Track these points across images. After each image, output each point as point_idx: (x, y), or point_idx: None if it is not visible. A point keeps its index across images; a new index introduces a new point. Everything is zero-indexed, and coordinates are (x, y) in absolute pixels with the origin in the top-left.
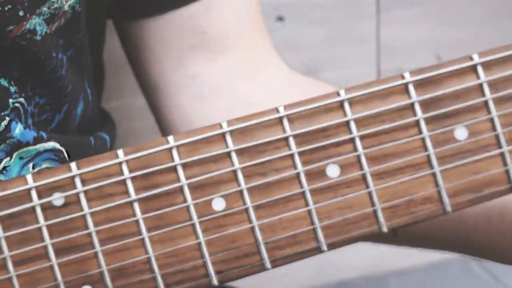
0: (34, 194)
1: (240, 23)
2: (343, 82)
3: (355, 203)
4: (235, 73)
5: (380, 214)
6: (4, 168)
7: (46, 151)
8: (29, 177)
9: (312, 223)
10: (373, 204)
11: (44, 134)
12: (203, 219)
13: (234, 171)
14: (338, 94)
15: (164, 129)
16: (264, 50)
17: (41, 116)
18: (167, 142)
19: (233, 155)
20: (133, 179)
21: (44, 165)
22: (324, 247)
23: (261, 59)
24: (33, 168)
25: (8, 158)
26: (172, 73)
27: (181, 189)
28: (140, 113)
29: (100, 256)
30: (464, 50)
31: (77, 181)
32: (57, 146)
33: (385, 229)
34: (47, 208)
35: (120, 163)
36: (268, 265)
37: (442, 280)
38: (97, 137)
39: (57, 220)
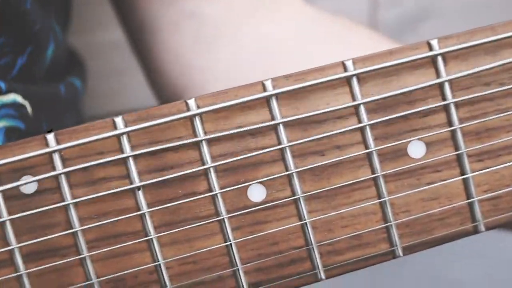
0: None
1: None
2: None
3: (444, 194)
4: (244, 11)
5: (477, 208)
6: None
7: (3, 106)
8: None
9: (385, 219)
10: (468, 195)
11: (2, 84)
12: (234, 213)
13: (281, 149)
14: (429, 46)
15: (153, 79)
16: None
17: None
18: (187, 107)
19: (280, 127)
20: (136, 158)
21: (0, 124)
22: (399, 252)
23: None
24: None
25: None
26: (166, 10)
27: (205, 172)
28: (109, 51)
29: (88, 263)
30: None
31: (56, 159)
32: (19, 99)
33: (482, 228)
34: (13, 197)
35: (118, 136)
36: (322, 275)
37: None
38: (68, 85)
39: (27, 213)
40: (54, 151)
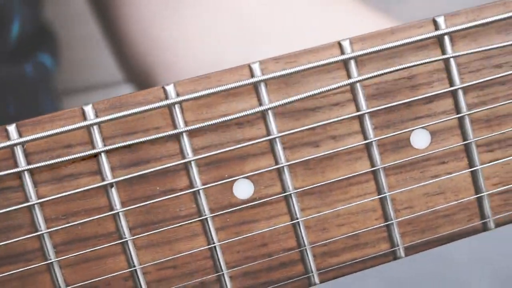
0: None
1: None
2: None
3: (450, 187)
4: None
5: (486, 204)
6: None
7: None
8: None
9: (386, 216)
10: (477, 189)
11: None
12: (219, 212)
13: (270, 141)
14: (435, 24)
15: (121, 54)
16: None
17: None
18: (165, 94)
19: (269, 115)
20: (109, 151)
21: None
22: (401, 252)
23: None
24: None
25: None
26: None
27: (185, 167)
28: (82, 20)
29: (56, 269)
30: None
31: (19, 154)
32: None
33: (492, 225)
34: None
35: (88, 127)
36: (316, 279)
37: None
38: (36, 64)
39: None
40: (16, 144)
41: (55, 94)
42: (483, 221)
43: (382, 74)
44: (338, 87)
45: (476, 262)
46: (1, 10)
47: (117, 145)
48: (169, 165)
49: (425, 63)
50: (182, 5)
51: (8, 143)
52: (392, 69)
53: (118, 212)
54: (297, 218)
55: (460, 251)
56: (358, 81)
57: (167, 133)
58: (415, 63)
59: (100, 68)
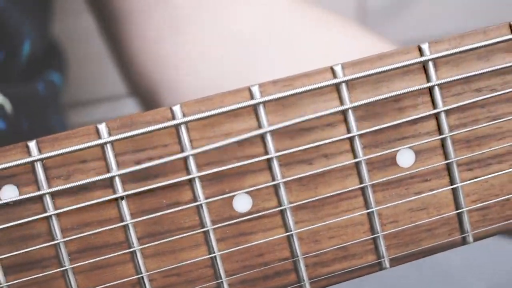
0: None
1: None
2: None
3: (433, 203)
4: (217, 0)
5: (465, 219)
6: None
7: None
8: None
9: (372, 230)
10: (457, 205)
11: None
12: (219, 224)
13: (267, 158)
14: (420, 50)
15: (125, 65)
16: None
17: None
18: (172, 115)
19: (267, 136)
20: (120, 167)
21: None
22: (386, 263)
23: None
24: None
25: None
26: None
27: (189, 182)
28: (91, 36)
29: (70, 276)
30: None
31: (39, 169)
32: None
33: (470, 239)
34: None
35: (102, 145)
36: (308, 287)
37: None
38: (47, 82)
39: (8, 225)
40: (36, 160)
41: (63, 108)
42: (463, 235)
43: (372, 102)
44: (332, 112)
45: (470, 268)
46: (13, 32)
47: (129, 170)
48: (175, 180)
49: (412, 91)
50: (183, 23)
51: (30, 159)
52: (381, 96)
53: (127, 223)
54: (291, 231)
55: (455, 257)
56: (350, 107)
57: (174, 157)
58: (403, 91)
59: (105, 83)
